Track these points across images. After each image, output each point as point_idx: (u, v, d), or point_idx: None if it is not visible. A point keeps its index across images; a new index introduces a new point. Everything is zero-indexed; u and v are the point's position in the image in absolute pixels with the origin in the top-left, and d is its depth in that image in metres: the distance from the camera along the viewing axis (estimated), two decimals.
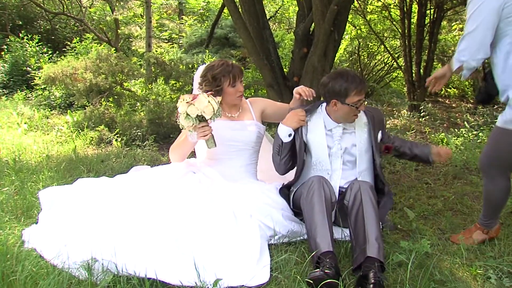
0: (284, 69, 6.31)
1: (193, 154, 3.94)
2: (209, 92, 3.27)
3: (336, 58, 11.43)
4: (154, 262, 2.63)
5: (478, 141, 6.24)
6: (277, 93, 5.51)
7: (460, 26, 11.15)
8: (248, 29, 5.41)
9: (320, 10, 4.95)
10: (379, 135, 3.40)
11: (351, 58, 12.12)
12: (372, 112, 3.45)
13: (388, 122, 8.25)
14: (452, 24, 11.68)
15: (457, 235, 3.30)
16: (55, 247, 2.91)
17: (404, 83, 11.06)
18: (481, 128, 6.90)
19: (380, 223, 3.15)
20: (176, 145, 3.56)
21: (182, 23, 16.14)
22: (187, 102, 3.13)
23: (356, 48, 11.76)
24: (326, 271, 2.58)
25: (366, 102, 3.32)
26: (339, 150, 3.31)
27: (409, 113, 9.10)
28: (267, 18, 5.83)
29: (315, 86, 5.07)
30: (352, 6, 9.32)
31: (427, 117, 8.37)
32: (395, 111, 9.29)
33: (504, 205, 3.16)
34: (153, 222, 2.90)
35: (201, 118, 3.19)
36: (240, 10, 5.53)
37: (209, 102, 3.12)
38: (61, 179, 4.68)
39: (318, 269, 2.62)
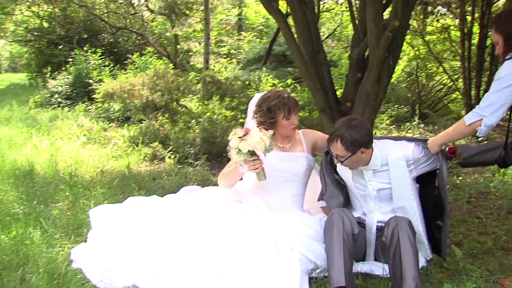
0: (340, 90, 6.24)
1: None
2: (261, 127, 3.28)
3: (393, 79, 11.27)
4: None
5: None
6: (329, 117, 5.45)
7: None
8: (302, 53, 5.39)
9: (374, 35, 4.87)
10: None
11: (409, 79, 11.91)
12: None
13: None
14: None
15: (507, 279, 3.14)
16: (100, 270, 2.99)
17: (462, 106, 10.77)
18: None
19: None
20: (225, 173, 3.58)
21: (241, 39, 16.32)
22: (239, 137, 3.15)
23: (414, 69, 11.56)
24: None
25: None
26: (372, 191, 3.26)
27: (467, 138, 8.79)
28: (327, 35, 5.79)
29: (368, 112, 5.02)
30: (410, 26, 9.20)
31: (485, 141, 8.07)
32: None
33: None
34: (195, 252, 2.93)
35: (252, 153, 3.19)
36: (294, 33, 5.52)
37: (261, 138, 3.13)
38: (112, 196, 4.80)
39: None
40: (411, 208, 3.23)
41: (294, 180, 3.58)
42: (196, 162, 6.57)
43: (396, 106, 11.02)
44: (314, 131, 3.92)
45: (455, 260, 3.43)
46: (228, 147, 3.25)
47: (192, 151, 6.93)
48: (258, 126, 3.28)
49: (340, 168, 3.36)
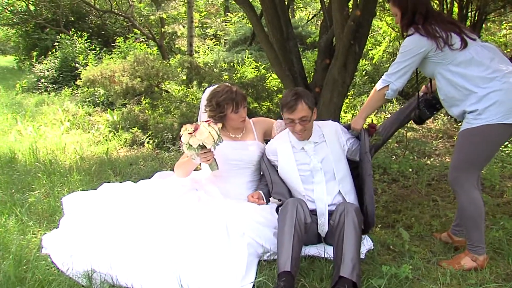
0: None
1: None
2: (209, 121, 3.47)
3: (375, 60, 11.42)
4: (143, 276, 2.87)
5: (502, 153, 6.11)
6: None
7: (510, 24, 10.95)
8: (271, 41, 5.52)
9: (340, 23, 5.00)
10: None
11: (392, 59, 12.03)
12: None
13: (424, 126, 8.16)
14: (502, 23, 11.37)
15: (446, 260, 3.31)
16: (64, 255, 3.19)
17: None
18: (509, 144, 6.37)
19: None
20: (180, 164, 3.77)
21: (227, 20, 16.31)
22: (189, 133, 3.35)
23: (397, 48, 11.66)
24: None
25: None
26: (318, 164, 3.46)
27: (447, 117, 8.88)
28: (313, 15, 5.85)
29: (335, 97, 5.18)
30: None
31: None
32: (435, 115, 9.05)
33: (482, 223, 3.18)
34: (147, 239, 3.14)
35: (203, 146, 3.39)
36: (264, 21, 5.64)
37: (209, 133, 3.32)
38: (88, 183, 4.95)
39: None
40: (350, 178, 3.52)
41: (248, 167, 3.79)
42: (172, 147, 6.73)
43: None
44: (264, 118, 4.13)
45: (401, 242, 3.59)
46: (180, 142, 3.45)
47: (170, 136, 7.09)
48: (207, 121, 3.46)
49: (282, 172, 3.58)
